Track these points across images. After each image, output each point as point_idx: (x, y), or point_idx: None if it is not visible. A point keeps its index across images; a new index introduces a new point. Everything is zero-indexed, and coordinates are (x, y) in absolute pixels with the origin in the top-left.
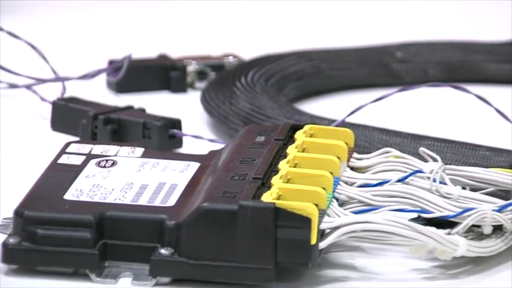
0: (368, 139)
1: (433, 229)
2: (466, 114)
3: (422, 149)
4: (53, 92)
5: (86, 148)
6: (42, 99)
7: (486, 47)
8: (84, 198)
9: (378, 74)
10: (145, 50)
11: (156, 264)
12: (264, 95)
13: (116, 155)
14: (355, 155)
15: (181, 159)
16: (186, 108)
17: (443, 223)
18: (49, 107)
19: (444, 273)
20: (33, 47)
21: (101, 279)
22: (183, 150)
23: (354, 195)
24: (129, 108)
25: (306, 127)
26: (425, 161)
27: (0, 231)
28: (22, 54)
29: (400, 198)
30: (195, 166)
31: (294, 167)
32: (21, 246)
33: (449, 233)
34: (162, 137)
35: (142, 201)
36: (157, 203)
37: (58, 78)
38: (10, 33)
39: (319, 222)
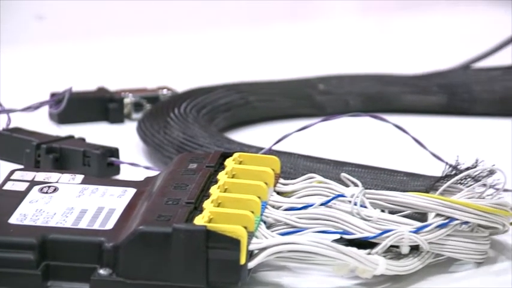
0: (293, 166)
1: (354, 249)
2: (385, 142)
3: (343, 175)
4: None
5: (29, 175)
6: None
7: (402, 80)
8: (27, 222)
9: (302, 105)
10: (85, 84)
11: (95, 284)
12: (196, 125)
13: (57, 182)
14: (281, 180)
15: (119, 185)
16: (123, 137)
17: (364, 244)
18: None
19: None
20: None
21: None
22: (120, 177)
23: (281, 218)
24: (70, 137)
25: (236, 155)
26: (347, 185)
27: None
28: None
29: (323, 221)
30: (131, 192)
31: (224, 192)
32: None
33: (369, 253)
34: (101, 165)
35: (83, 224)
36: (96, 226)
37: (3, 110)
38: None
39: (248, 243)
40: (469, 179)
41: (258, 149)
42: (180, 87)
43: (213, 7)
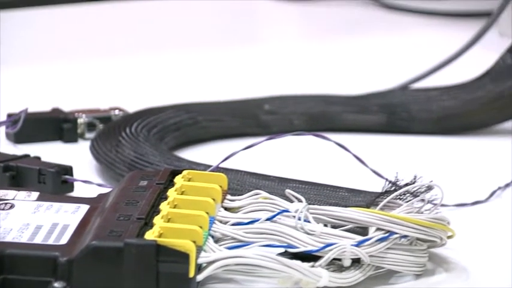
0: (240, 182)
1: (298, 262)
2: (327, 160)
3: (288, 191)
4: None
5: None
6: None
7: (344, 100)
8: None
9: (248, 124)
10: (40, 105)
11: None
12: (147, 144)
13: (13, 199)
14: (229, 196)
15: (73, 202)
16: (77, 156)
17: (308, 257)
18: None
19: None
20: None
21: None
22: (74, 193)
23: (228, 233)
24: (26, 156)
25: (185, 172)
26: (291, 201)
27: None
28: None
29: (268, 235)
30: (85, 208)
31: (174, 207)
32: None
33: (313, 266)
34: (56, 182)
35: (38, 240)
36: (51, 241)
37: None
38: None
39: (197, 257)
40: (408, 195)
41: (206, 167)
42: (131, 108)
43: (161, 31)
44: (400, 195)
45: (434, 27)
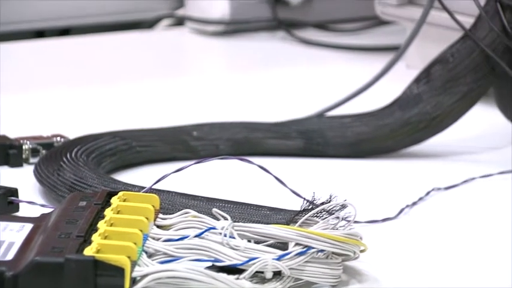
0: (171, 202)
1: (224, 275)
2: (251, 181)
3: (215, 210)
4: None
5: None
6: None
7: (265, 126)
8: None
9: (178, 149)
10: None
11: None
12: (86, 168)
13: None
14: (161, 215)
15: (18, 221)
16: (22, 179)
17: (233, 270)
18: None
19: None
20: None
21: None
22: (19, 213)
23: (160, 249)
24: None
25: (120, 193)
26: (218, 219)
27: None
28: None
29: (197, 250)
30: (29, 227)
31: (110, 226)
32: None
33: (237, 278)
34: (2, 203)
35: None
36: None
37: None
38: None
39: (131, 271)
40: (324, 213)
41: (140, 188)
42: (72, 135)
43: (98, 65)
44: (317, 213)
45: (348, 60)
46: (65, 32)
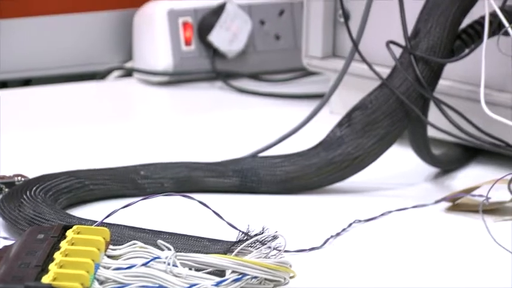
0: (120, 235)
1: None
2: (192, 216)
3: (159, 241)
4: None
5: None
6: None
7: (205, 166)
8: None
9: (127, 187)
10: None
11: None
12: (44, 204)
13: None
14: (111, 246)
15: None
16: None
17: None
18: None
19: None
20: None
21: None
22: None
23: (110, 276)
24: None
25: (75, 227)
26: (162, 249)
27: None
28: None
29: (144, 278)
30: None
31: (66, 256)
32: None
33: None
34: None
35: None
36: None
37: None
38: None
39: None
40: (257, 243)
41: (92, 222)
42: (31, 175)
43: (54, 112)
44: (251, 244)
45: (279, 106)
46: (26, 82)
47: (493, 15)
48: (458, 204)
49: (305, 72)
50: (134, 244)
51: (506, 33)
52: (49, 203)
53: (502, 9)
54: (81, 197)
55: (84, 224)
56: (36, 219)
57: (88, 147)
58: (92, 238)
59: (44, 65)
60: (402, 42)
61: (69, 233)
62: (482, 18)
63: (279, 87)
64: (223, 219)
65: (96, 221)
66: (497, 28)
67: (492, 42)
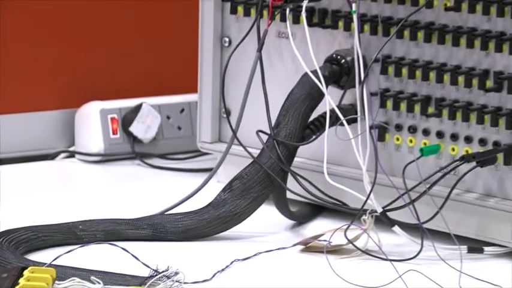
0: (63, 273)
1: None
2: (117, 258)
3: (92, 277)
4: None
5: None
6: None
7: (126, 221)
8: None
9: (70, 238)
10: None
11: None
12: (7, 251)
13: None
14: (57, 281)
15: None
16: None
17: None
18: None
19: None
20: None
21: None
22: None
23: None
24: None
25: (30, 268)
26: (94, 283)
27: None
28: None
29: None
30: None
31: None
32: None
33: None
34: None
35: None
36: None
37: None
38: None
39: None
40: (164, 277)
41: (43, 264)
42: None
43: (14, 188)
44: (160, 278)
45: (180, 177)
46: None
47: (332, 111)
48: (309, 246)
49: (199, 153)
50: (73, 279)
51: (342, 124)
52: (12, 250)
53: (338, 107)
54: (36, 246)
55: (37, 265)
56: (2, 262)
57: (41, 208)
58: (42, 276)
59: (9, 149)
60: (268, 130)
61: (26, 272)
62: (325, 113)
63: (180, 164)
64: (139, 260)
65: (46, 263)
66: (335, 120)
67: (332, 131)
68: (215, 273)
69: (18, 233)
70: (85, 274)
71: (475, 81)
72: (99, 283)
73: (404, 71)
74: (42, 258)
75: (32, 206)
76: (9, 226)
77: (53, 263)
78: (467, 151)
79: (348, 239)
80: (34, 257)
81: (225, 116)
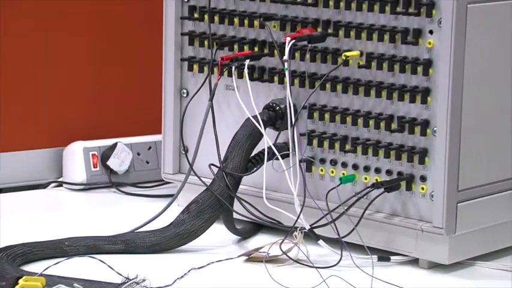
0: (51, 281)
1: None
2: (98, 270)
3: (75, 284)
4: None
5: None
6: None
7: (105, 237)
8: None
9: (57, 252)
10: None
11: None
12: (6, 264)
13: None
14: None
15: None
16: None
17: None
18: None
19: None
20: None
21: None
22: None
23: None
24: None
25: (24, 277)
26: None
27: None
28: None
29: None
30: None
31: None
32: None
33: None
34: None
35: None
36: None
37: None
38: None
39: None
40: (134, 283)
41: (34, 274)
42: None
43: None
44: (130, 284)
45: (148, 202)
46: None
47: (269, 148)
48: (251, 257)
49: (163, 182)
50: (60, 286)
51: (277, 159)
52: (9, 262)
53: (274, 145)
54: (30, 259)
55: (30, 275)
56: (1, 272)
57: (34, 228)
58: (34, 284)
59: (9, 180)
60: (218, 164)
61: (21, 281)
62: (263, 150)
63: (148, 191)
64: (114, 270)
65: (37, 273)
66: (272, 156)
67: (269, 164)
68: (175, 280)
69: (16, 249)
70: (69, 282)
71: (382, 124)
72: None
73: (327, 116)
74: (35, 269)
75: (27, 226)
76: (8, 243)
77: (43, 273)
78: (377, 179)
79: (283, 251)
80: (28, 268)
81: (183, 152)
